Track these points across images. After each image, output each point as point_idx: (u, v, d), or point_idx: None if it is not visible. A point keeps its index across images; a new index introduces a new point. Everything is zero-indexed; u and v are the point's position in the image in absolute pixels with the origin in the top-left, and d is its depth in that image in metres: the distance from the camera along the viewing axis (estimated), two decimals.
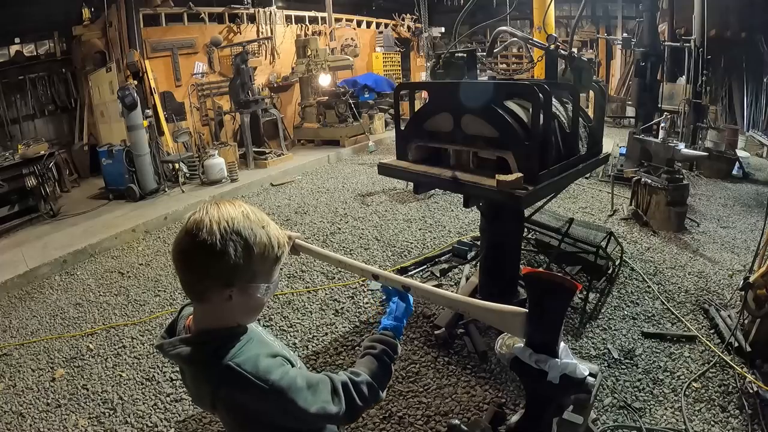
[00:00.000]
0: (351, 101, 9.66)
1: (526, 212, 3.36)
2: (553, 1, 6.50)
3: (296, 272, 4.17)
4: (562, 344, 1.35)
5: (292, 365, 1.08)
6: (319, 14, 11.54)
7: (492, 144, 2.57)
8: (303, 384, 1.01)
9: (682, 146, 5.12)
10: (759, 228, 4.40)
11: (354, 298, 3.69)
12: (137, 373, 3.02)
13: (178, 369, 2.99)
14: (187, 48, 8.93)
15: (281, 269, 1.13)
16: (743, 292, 2.78)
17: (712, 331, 3.08)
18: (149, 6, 8.26)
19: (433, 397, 2.61)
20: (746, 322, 2.86)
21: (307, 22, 11.30)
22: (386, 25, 13.83)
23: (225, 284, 0.99)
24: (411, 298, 1.34)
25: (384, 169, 3.09)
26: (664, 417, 2.41)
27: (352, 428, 2.42)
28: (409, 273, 4.01)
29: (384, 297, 1.38)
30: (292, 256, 1.32)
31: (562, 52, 2.88)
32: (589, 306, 3.29)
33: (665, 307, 3.37)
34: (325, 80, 9.70)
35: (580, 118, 2.79)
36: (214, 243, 0.95)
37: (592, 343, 2.98)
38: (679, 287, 3.63)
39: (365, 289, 3.78)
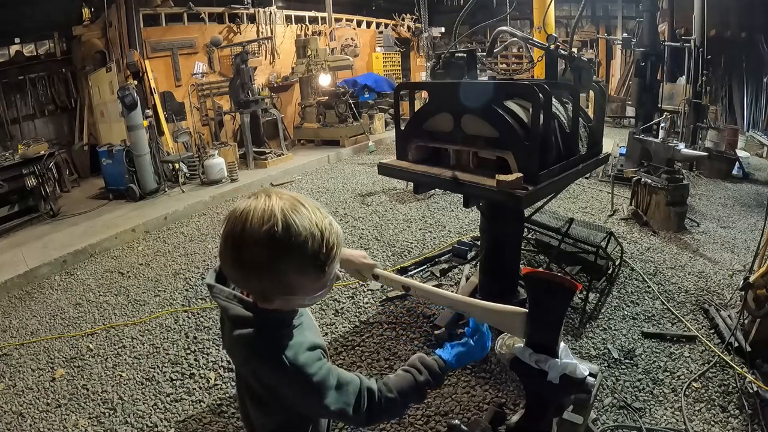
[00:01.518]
0: (351, 101, 9.65)
1: (526, 212, 3.36)
2: (553, 1, 6.51)
3: None
4: (562, 344, 1.35)
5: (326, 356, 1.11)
6: (319, 14, 11.54)
7: (492, 144, 2.57)
8: (333, 383, 1.04)
9: (682, 146, 5.12)
10: (759, 228, 4.40)
11: (354, 298, 3.69)
12: (137, 373, 3.02)
13: (177, 370, 3.00)
14: (187, 48, 8.92)
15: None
16: (743, 292, 2.78)
17: (712, 331, 3.08)
18: (149, 6, 8.26)
19: (433, 397, 2.60)
20: (746, 322, 2.86)
21: (307, 22, 11.29)
22: (386, 25, 13.82)
23: (264, 299, 1.01)
24: (489, 341, 1.28)
25: (384, 169, 3.09)
26: (664, 417, 2.41)
27: (351, 428, 2.42)
28: (409, 273, 4.01)
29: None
30: None
31: (562, 52, 2.88)
32: (589, 306, 3.28)
33: (665, 307, 3.37)
34: (325, 80, 9.70)
35: (580, 118, 2.79)
36: (242, 265, 0.95)
37: (592, 343, 2.98)
38: (679, 287, 3.63)
39: (365, 289, 3.78)
